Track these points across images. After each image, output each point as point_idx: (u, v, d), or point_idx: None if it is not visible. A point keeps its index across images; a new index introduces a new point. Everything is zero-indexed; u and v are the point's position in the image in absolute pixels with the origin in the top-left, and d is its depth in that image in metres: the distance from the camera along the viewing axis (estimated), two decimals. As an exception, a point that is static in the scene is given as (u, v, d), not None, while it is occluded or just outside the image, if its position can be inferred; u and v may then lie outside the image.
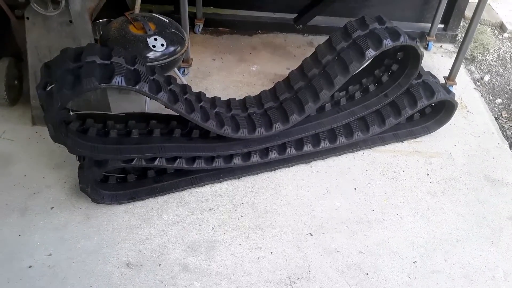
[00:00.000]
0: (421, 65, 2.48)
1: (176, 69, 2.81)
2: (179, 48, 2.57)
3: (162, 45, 2.47)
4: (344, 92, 2.56)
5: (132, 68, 1.91)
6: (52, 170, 2.30)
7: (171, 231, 2.10)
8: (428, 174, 2.45)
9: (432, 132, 2.66)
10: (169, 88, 2.05)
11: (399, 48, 2.48)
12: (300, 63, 2.43)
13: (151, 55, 2.46)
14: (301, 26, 3.47)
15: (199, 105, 2.18)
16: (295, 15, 3.48)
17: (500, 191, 2.38)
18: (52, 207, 2.14)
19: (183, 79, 2.90)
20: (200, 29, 3.41)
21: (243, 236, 2.10)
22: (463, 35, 3.54)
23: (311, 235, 2.13)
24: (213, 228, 2.12)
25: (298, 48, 3.37)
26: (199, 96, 2.25)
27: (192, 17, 3.35)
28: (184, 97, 2.12)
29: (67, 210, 2.14)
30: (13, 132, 2.49)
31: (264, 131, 2.26)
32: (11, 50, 2.62)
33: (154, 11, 3.24)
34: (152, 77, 1.97)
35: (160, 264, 1.97)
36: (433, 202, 2.31)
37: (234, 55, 3.24)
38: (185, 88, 2.18)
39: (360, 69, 2.27)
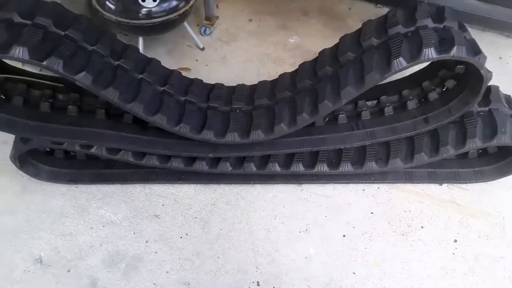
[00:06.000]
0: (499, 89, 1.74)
1: (188, 28, 2.35)
2: (182, 3, 2.11)
3: (154, 0, 2.02)
4: (373, 102, 1.89)
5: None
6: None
7: (99, 232, 1.78)
8: (456, 241, 1.76)
9: (487, 181, 1.90)
10: (117, 63, 1.62)
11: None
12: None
13: (143, 11, 2.05)
14: (375, -8, 2.71)
15: (162, 88, 1.72)
16: (371, -23, 2.72)
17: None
18: (-3, 166, 1.94)
19: (199, 42, 2.43)
20: (250, -20, 2.83)
21: (175, 262, 1.70)
22: None
23: (258, 285, 1.66)
24: (146, 242, 1.76)
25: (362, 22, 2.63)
26: (167, 75, 1.78)
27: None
28: (140, 76, 1.68)
29: (8, 176, 1.91)
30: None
31: (237, 137, 1.75)
32: None
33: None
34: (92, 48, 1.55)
35: (69, 271, 1.68)
36: (444, 285, 1.65)
37: (277, 18, 2.64)
38: (144, 64, 1.73)
39: (380, 82, 1.60)
